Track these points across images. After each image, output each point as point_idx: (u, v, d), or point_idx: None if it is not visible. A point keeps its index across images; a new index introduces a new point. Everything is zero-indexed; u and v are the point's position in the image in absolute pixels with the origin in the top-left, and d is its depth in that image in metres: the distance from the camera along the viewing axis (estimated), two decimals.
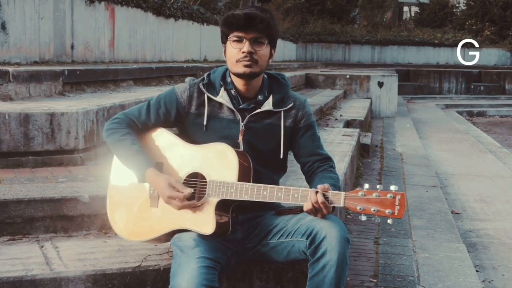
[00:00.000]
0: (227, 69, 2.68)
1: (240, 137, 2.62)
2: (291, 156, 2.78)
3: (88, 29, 7.84)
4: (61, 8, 7.07)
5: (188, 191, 2.46)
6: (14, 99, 4.43)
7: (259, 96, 2.66)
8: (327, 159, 2.73)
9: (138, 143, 2.60)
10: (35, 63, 6.43)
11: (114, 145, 2.61)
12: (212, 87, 2.67)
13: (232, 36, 2.56)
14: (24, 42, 6.26)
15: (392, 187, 2.38)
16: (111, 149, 2.66)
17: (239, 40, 2.55)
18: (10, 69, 4.52)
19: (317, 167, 2.69)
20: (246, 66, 2.54)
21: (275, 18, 2.65)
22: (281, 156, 2.68)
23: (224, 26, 2.59)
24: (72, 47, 7.41)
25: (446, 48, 25.80)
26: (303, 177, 2.79)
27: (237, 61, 2.55)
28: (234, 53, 2.55)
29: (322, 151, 2.74)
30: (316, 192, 2.39)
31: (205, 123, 2.63)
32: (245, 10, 2.55)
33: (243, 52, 2.53)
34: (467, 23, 29.40)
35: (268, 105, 2.65)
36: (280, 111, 2.67)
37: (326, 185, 2.42)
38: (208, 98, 2.65)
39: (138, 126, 2.66)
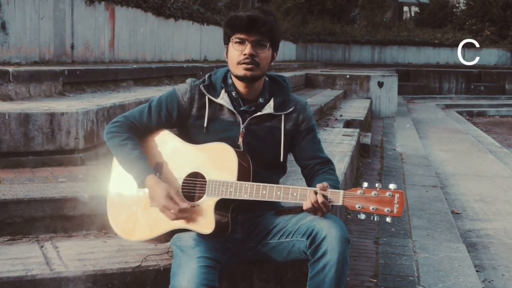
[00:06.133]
0: (228, 71, 2.68)
1: (240, 139, 2.62)
2: (290, 156, 2.79)
3: (88, 29, 7.84)
4: (61, 8, 7.08)
5: (185, 205, 2.46)
6: (14, 99, 4.43)
7: (260, 99, 2.66)
8: (328, 162, 2.73)
9: (138, 148, 2.60)
10: (35, 63, 6.43)
11: (115, 150, 2.61)
12: (213, 89, 2.67)
13: (234, 38, 2.55)
14: (24, 42, 6.26)
15: (391, 186, 2.38)
16: (112, 153, 2.66)
17: (241, 42, 2.54)
18: (10, 69, 4.52)
19: (317, 169, 2.69)
20: (247, 69, 2.54)
21: (278, 20, 2.65)
22: (281, 160, 2.68)
23: (226, 28, 2.59)
24: (72, 47, 7.41)
25: (446, 48, 25.79)
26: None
27: (238, 63, 2.55)
28: (236, 55, 2.55)
29: (323, 154, 2.74)
30: (315, 192, 2.40)
31: (205, 125, 2.63)
32: (248, 12, 2.55)
33: (244, 54, 2.53)
34: (467, 23, 29.39)
35: (269, 108, 2.65)
36: (281, 115, 2.67)
37: (325, 184, 2.42)
38: (209, 100, 2.65)
39: (139, 129, 2.65)
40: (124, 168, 2.60)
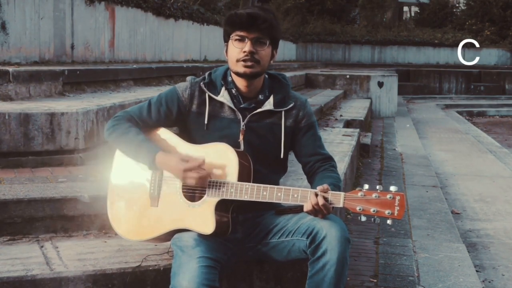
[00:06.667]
0: (228, 69, 2.68)
1: (241, 137, 2.62)
2: (291, 156, 2.79)
3: (88, 29, 7.84)
4: (61, 8, 7.08)
5: (200, 161, 2.45)
6: (14, 99, 4.43)
7: (260, 96, 2.66)
8: (328, 159, 2.73)
9: (142, 133, 2.59)
10: (35, 63, 6.43)
11: (119, 139, 2.60)
12: (213, 86, 2.67)
13: (234, 35, 2.56)
14: (24, 42, 6.26)
15: (392, 188, 2.38)
16: (115, 145, 2.64)
17: (241, 40, 2.54)
18: (10, 69, 4.52)
19: (318, 167, 2.69)
20: (246, 66, 2.54)
21: (278, 18, 2.65)
22: (282, 156, 2.68)
23: (226, 25, 2.59)
24: (72, 47, 7.41)
25: (446, 48, 25.81)
26: (303, 177, 2.79)
27: (238, 60, 2.55)
28: (236, 52, 2.55)
29: (323, 151, 2.74)
30: (316, 194, 2.40)
31: (206, 122, 2.63)
32: (248, 10, 2.55)
33: (244, 52, 2.53)
34: (467, 23, 29.39)
35: (269, 104, 2.65)
36: (281, 111, 2.67)
37: (326, 186, 2.42)
38: (209, 97, 2.65)
39: (139, 124, 2.64)
40: (130, 155, 2.59)
